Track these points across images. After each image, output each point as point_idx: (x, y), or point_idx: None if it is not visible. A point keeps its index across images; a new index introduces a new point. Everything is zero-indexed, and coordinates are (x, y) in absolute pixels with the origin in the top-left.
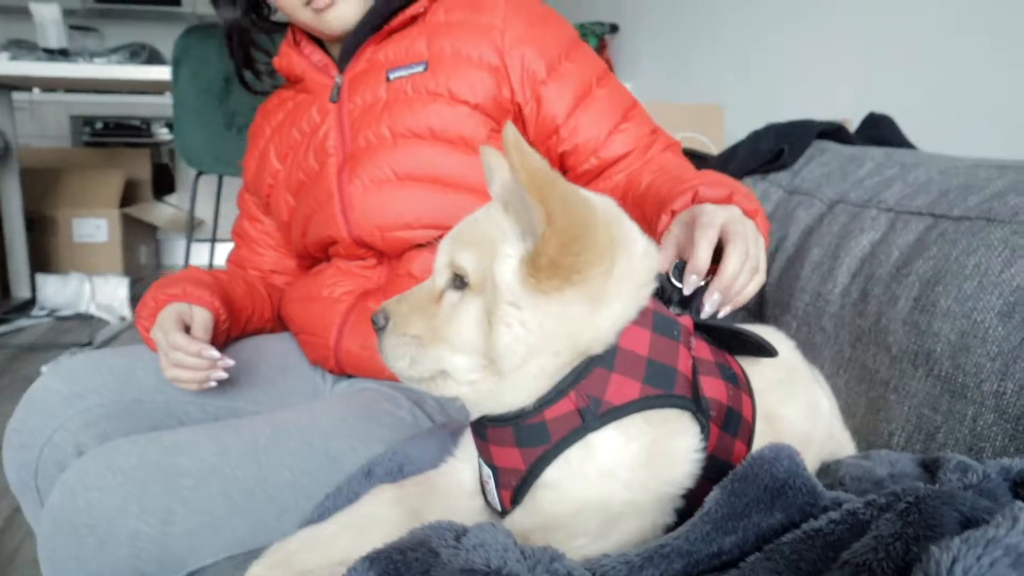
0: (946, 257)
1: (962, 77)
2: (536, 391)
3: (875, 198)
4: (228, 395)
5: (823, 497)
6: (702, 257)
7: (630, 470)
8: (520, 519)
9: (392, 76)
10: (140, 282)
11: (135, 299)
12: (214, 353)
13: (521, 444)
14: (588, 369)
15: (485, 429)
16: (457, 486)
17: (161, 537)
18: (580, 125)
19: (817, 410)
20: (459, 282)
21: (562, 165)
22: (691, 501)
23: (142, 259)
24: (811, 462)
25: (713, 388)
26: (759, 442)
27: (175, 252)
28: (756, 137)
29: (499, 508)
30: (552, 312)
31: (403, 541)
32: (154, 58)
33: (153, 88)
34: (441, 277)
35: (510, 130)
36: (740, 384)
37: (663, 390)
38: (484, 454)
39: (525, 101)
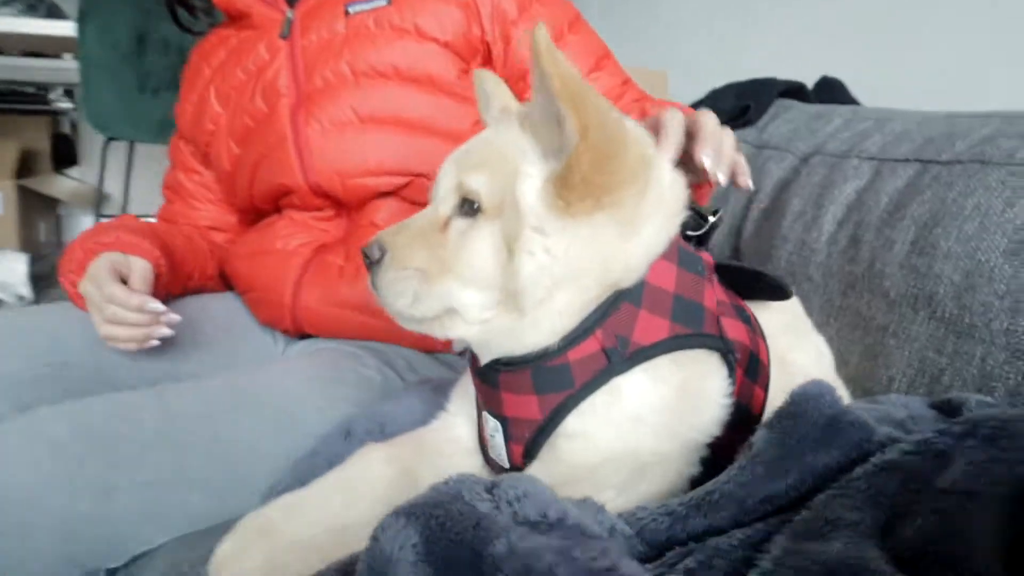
0: (942, 200)
1: (911, 40)
2: (561, 328)
3: (855, 148)
4: (169, 358)
5: (877, 432)
6: (678, 133)
7: (659, 415)
8: (538, 473)
9: (352, 10)
10: (42, 259)
11: (36, 277)
12: (158, 306)
13: (540, 390)
14: (615, 305)
15: (497, 375)
16: (452, 443)
17: (99, 517)
18: None
19: (821, 356)
20: (468, 207)
21: None
22: (716, 450)
23: (42, 236)
24: None
25: (735, 330)
26: (773, 389)
27: (78, 228)
28: (715, 96)
29: (506, 464)
30: (582, 237)
31: (432, 495)
32: (54, 13)
33: (51, 48)
34: (446, 203)
35: (542, 33)
36: (755, 327)
37: (692, 329)
38: (492, 404)
39: (494, 41)
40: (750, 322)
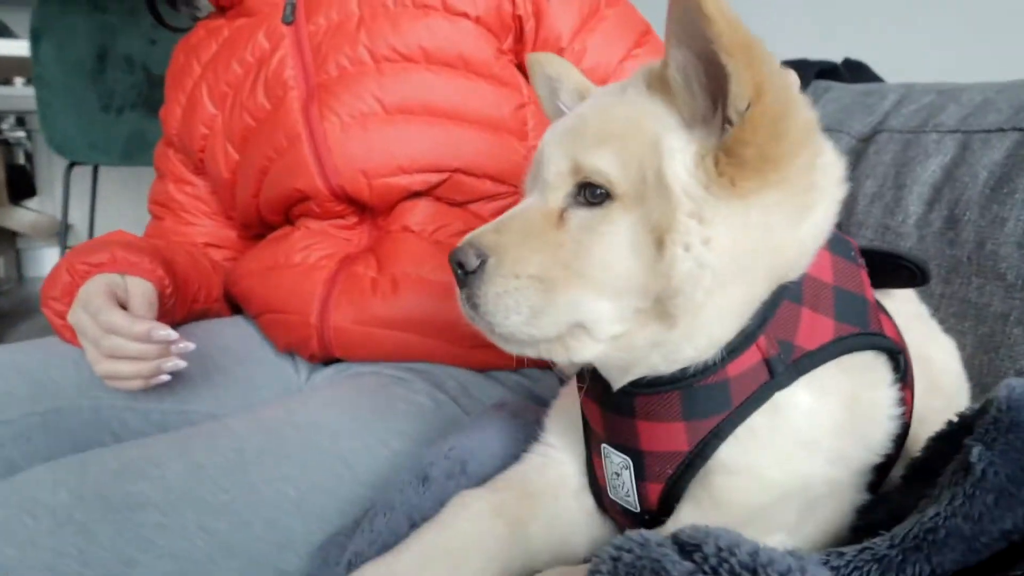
0: None
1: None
2: (721, 337)
3: (929, 123)
4: (177, 396)
5: None
6: None
7: (831, 437)
8: (691, 519)
9: None
10: (1, 296)
11: None
12: (168, 332)
13: (690, 415)
14: (776, 304)
15: (632, 400)
16: (560, 484)
17: None
18: (588, 47)
19: (953, 348)
20: (590, 194)
21: None
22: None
23: (1, 271)
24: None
25: (888, 326)
26: (918, 389)
27: (41, 262)
28: None
29: (636, 508)
30: (751, 223)
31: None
32: (3, 33)
33: (2, 69)
34: (558, 190)
35: None
36: (894, 321)
37: (858, 327)
38: (621, 436)
39: (527, 16)
40: (890, 315)
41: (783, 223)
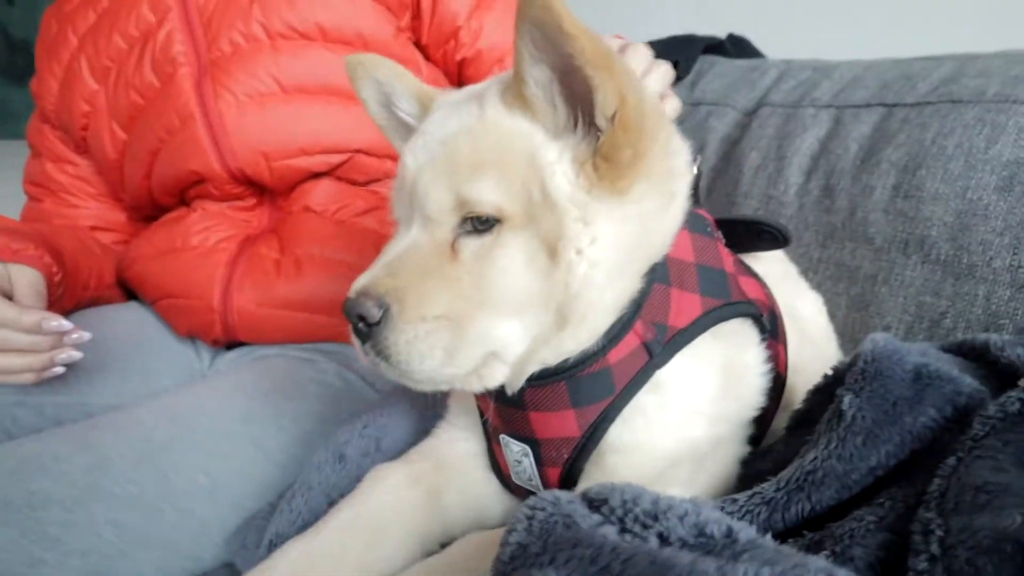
0: (919, 142)
1: None
2: (602, 327)
3: (806, 98)
4: (73, 388)
5: (963, 382)
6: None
7: (711, 402)
8: None
9: None
10: None
11: None
12: (61, 323)
13: (579, 403)
14: (648, 288)
15: (521, 394)
16: (470, 459)
17: None
18: (484, 26)
19: (820, 303)
20: (477, 223)
21: (460, 77)
22: (760, 424)
23: None
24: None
25: (753, 288)
26: (791, 342)
27: None
28: None
29: (540, 490)
30: (631, 216)
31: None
32: None
33: None
34: (444, 225)
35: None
36: (763, 282)
37: (722, 299)
38: (516, 427)
39: None
40: (759, 277)
41: (653, 210)
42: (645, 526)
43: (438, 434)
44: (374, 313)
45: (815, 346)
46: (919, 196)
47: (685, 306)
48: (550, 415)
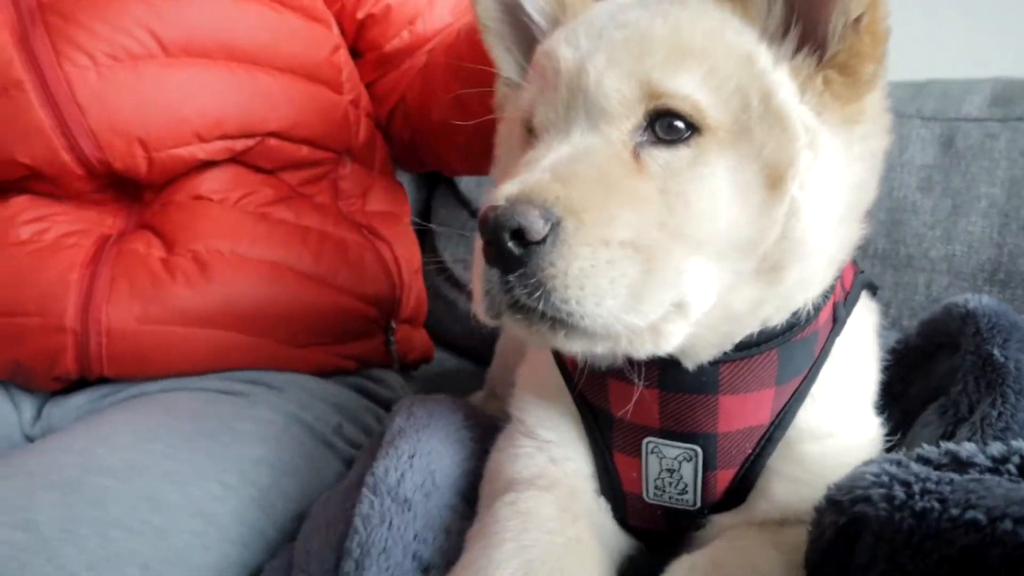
0: None
1: None
2: (829, 280)
3: None
4: None
5: None
6: None
7: (876, 374)
8: (786, 495)
9: None
10: None
11: None
12: None
13: (782, 378)
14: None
15: (714, 374)
16: (582, 480)
17: None
18: None
19: None
20: (667, 128)
21: (359, 40)
22: None
23: None
24: None
25: None
26: None
27: None
28: None
29: (693, 504)
30: (854, 156)
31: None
32: None
33: None
34: (622, 123)
35: None
36: None
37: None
38: (688, 422)
39: None
40: None
41: (879, 148)
42: None
43: (531, 455)
44: (538, 227)
45: None
46: None
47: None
48: (746, 397)
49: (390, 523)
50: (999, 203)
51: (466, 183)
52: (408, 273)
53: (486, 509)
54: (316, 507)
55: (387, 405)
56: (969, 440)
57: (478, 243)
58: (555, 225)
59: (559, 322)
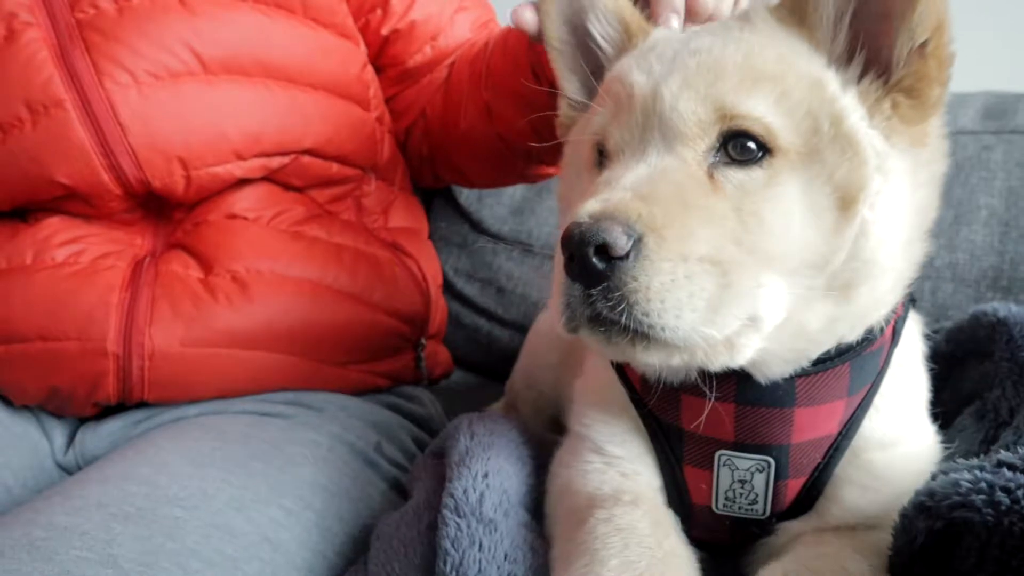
0: None
1: None
2: (898, 297)
3: None
4: None
5: None
6: None
7: (927, 381)
8: (857, 500)
9: None
10: None
11: None
12: None
13: (853, 389)
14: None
15: (791, 387)
16: (653, 493)
17: None
18: None
19: None
20: (740, 149)
21: (382, 55)
22: None
23: None
24: None
25: None
26: None
27: None
28: None
29: (763, 514)
30: (920, 182)
31: None
32: None
33: None
34: (697, 145)
35: None
36: None
37: None
38: (762, 433)
39: None
40: None
41: (931, 182)
42: None
43: (604, 471)
44: (622, 243)
45: None
46: None
47: None
48: (820, 409)
49: (480, 544)
50: (999, 213)
51: (467, 195)
52: (435, 288)
53: (574, 526)
54: (386, 529)
55: (420, 422)
56: (1015, 443)
57: (558, 258)
58: (637, 241)
59: (639, 335)
